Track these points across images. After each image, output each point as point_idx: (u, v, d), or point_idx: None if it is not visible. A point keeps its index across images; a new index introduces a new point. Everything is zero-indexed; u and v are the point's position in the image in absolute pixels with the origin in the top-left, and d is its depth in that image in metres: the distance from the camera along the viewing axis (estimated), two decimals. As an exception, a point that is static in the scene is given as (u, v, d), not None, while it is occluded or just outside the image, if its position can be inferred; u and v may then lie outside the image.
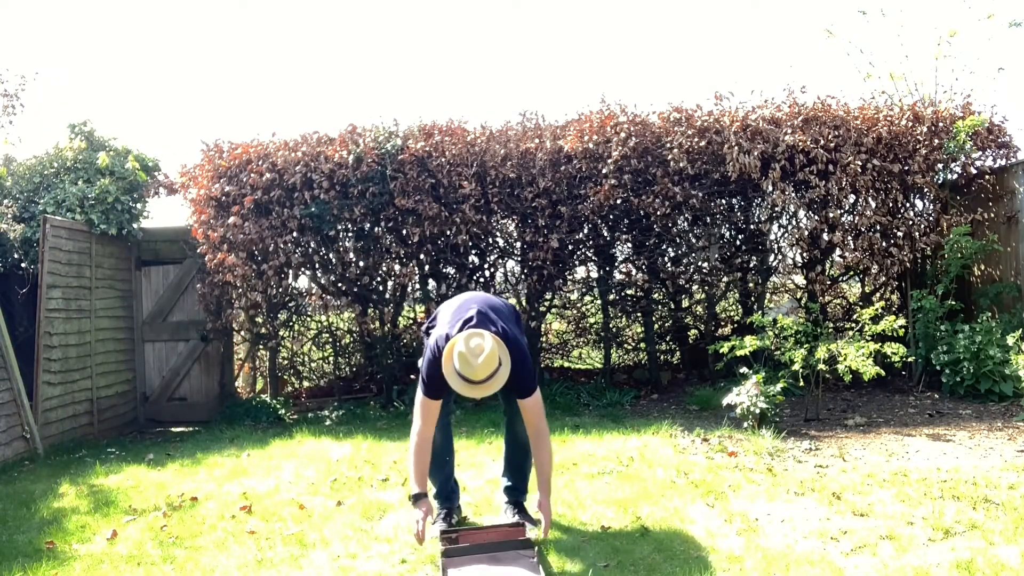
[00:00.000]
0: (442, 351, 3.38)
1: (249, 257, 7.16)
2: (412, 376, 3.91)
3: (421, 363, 3.55)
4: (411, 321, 7.87)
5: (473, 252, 7.55)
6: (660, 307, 7.98)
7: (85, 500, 4.69)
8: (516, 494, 3.85)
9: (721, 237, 7.57)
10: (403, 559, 3.41)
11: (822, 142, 6.70)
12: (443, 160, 6.94)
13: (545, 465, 3.45)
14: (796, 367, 5.71)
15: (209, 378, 7.88)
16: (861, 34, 11.89)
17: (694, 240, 7.42)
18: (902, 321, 5.74)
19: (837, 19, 16.63)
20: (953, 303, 6.64)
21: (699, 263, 7.53)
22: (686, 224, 7.50)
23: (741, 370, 5.84)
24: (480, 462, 4.98)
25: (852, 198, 7.11)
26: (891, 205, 7.00)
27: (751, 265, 7.58)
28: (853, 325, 6.74)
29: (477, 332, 3.31)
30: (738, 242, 7.72)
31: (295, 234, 7.18)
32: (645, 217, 7.06)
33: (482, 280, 7.66)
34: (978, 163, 7.21)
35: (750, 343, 5.81)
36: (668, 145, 6.81)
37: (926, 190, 7.08)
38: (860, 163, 6.66)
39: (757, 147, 6.65)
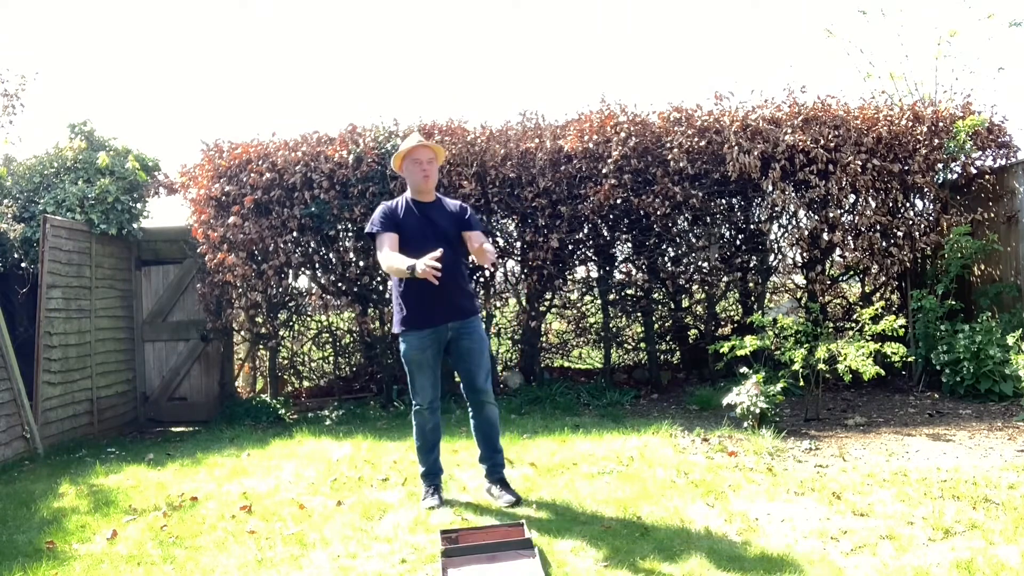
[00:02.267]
0: (388, 203, 4.17)
1: (249, 257, 7.16)
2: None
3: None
4: (411, 321, 7.85)
5: (473, 252, 7.54)
6: (660, 307, 7.98)
7: (85, 500, 4.69)
8: (498, 470, 4.24)
9: (721, 237, 7.57)
10: (403, 559, 3.41)
11: (822, 142, 6.70)
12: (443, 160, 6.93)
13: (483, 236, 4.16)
14: (796, 367, 5.71)
15: (209, 378, 7.88)
16: (861, 34, 11.92)
17: (694, 240, 7.42)
18: (902, 321, 5.74)
19: (837, 19, 16.68)
20: (953, 303, 6.64)
21: (699, 263, 7.53)
22: (686, 224, 7.50)
23: (741, 370, 5.84)
24: (480, 462, 4.98)
25: (852, 198, 7.11)
26: (891, 205, 7.00)
27: (751, 265, 7.58)
28: (853, 325, 6.73)
29: None
30: (738, 242, 7.72)
31: (295, 234, 7.18)
32: (645, 217, 7.06)
33: (482, 280, 7.66)
34: (978, 163, 7.21)
35: (750, 343, 5.81)
36: (668, 145, 6.81)
37: (926, 190, 7.08)
38: (860, 163, 6.66)
39: (757, 147, 6.65)
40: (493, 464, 4.23)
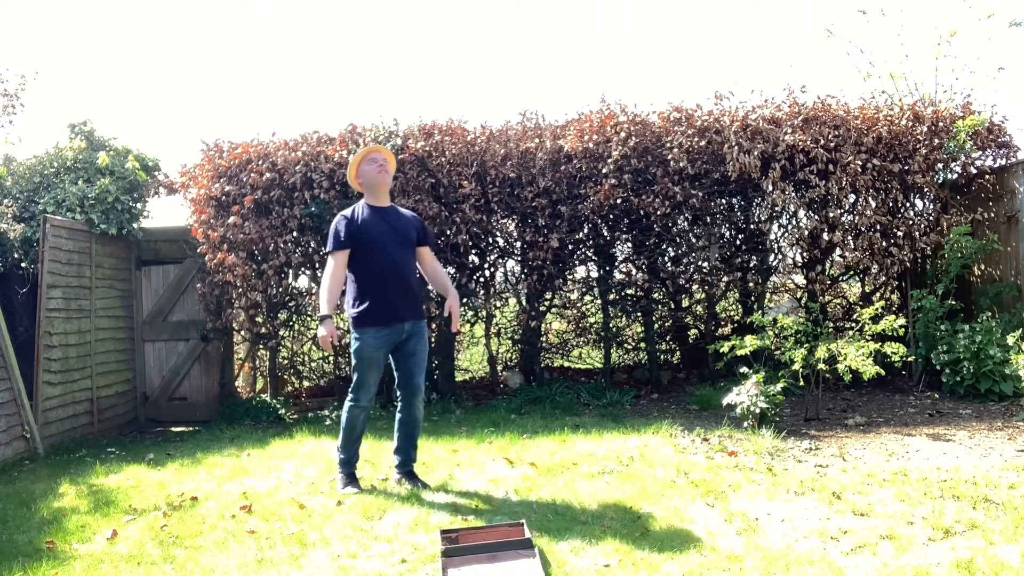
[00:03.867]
0: (344, 213, 4.33)
1: (249, 257, 7.16)
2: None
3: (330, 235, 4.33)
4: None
5: (473, 252, 7.55)
6: (660, 307, 7.97)
7: (85, 500, 4.69)
8: (410, 464, 4.54)
9: (721, 237, 7.57)
10: (403, 559, 3.41)
11: (822, 142, 6.70)
12: (443, 160, 6.94)
13: (447, 280, 4.56)
14: (796, 367, 5.71)
15: (209, 378, 7.88)
16: (861, 34, 11.91)
17: (694, 240, 7.42)
18: (902, 321, 5.74)
19: (837, 19, 16.68)
20: (953, 303, 6.64)
21: (699, 263, 7.53)
22: (686, 224, 7.50)
23: (741, 370, 5.84)
24: (480, 462, 4.98)
25: (852, 198, 7.11)
26: (891, 205, 7.00)
27: (751, 265, 7.58)
28: (853, 325, 6.74)
29: None
30: (738, 242, 7.72)
31: (295, 234, 7.18)
32: (645, 217, 7.06)
33: (482, 280, 7.66)
34: (978, 163, 7.21)
35: (750, 343, 5.81)
36: (668, 145, 6.81)
37: (926, 190, 7.08)
38: (860, 163, 6.66)
39: (757, 147, 6.65)
40: (408, 458, 4.53)
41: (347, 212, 4.36)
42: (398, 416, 4.49)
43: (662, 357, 8.23)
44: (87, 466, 5.66)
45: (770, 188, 6.81)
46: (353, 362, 4.35)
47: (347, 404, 4.42)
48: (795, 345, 5.85)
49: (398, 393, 4.47)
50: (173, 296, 7.89)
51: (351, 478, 4.49)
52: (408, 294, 4.33)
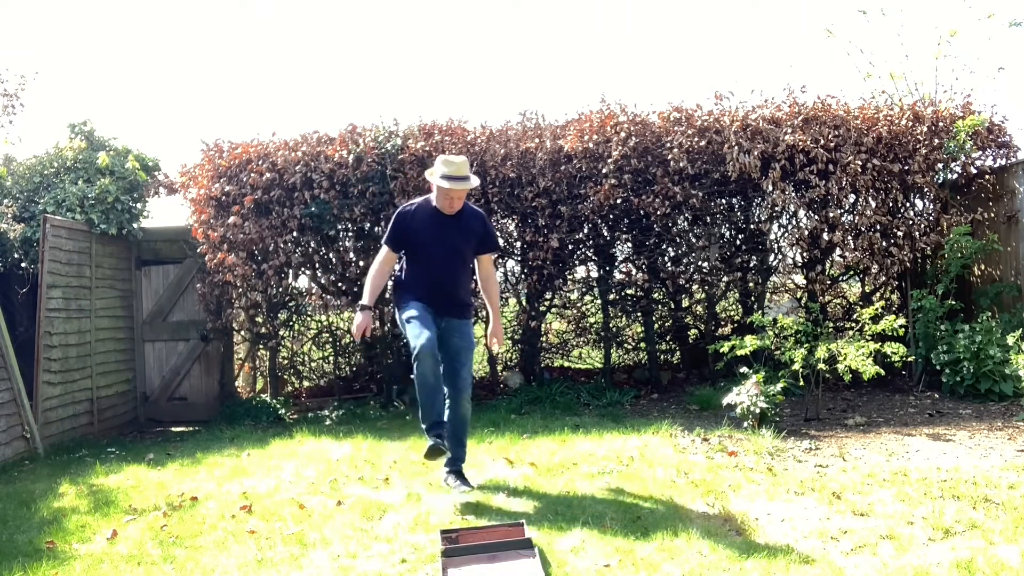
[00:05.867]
0: (405, 209, 4.26)
1: (249, 257, 7.16)
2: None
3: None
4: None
5: (473, 252, 7.53)
6: (660, 307, 7.97)
7: (85, 500, 4.70)
8: (458, 463, 4.37)
9: (721, 237, 7.56)
10: (403, 559, 3.41)
11: (822, 142, 6.70)
12: (443, 160, 6.93)
13: (496, 299, 4.50)
14: (796, 367, 5.71)
15: (209, 378, 7.88)
16: (861, 34, 11.89)
17: (694, 240, 7.42)
18: (902, 321, 5.74)
19: (837, 19, 16.66)
20: (953, 303, 6.64)
21: (699, 263, 7.53)
22: (686, 224, 7.50)
23: (741, 370, 5.84)
24: (480, 462, 4.98)
25: (852, 198, 7.10)
26: (891, 205, 7.00)
27: (751, 265, 7.58)
28: (853, 325, 6.73)
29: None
30: (738, 242, 7.72)
31: (295, 234, 7.18)
32: (645, 217, 7.05)
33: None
34: (978, 163, 7.20)
35: (750, 343, 5.81)
36: (668, 145, 6.81)
37: (926, 190, 7.08)
38: (860, 163, 6.66)
39: (757, 147, 6.65)
40: (456, 458, 4.35)
41: (410, 206, 4.27)
42: (446, 415, 4.24)
43: (662, 357, 8.23)
44: (87, 466, 5.66)
45: (770, 188, 6.81)
46: (402, 329, 4.22)
47: (413, 365, 4.05)
48: (795, 345, 5.85)
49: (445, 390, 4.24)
50: (173, 296, 7.89)
51: (437, 440, 3.98)
52: (453, 299, 4.26)
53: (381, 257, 4.29)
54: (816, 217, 6.98)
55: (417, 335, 4.01)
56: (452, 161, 4.14)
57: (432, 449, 3.99)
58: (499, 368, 8.18)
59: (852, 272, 7.58)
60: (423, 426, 4.14)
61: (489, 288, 4.46)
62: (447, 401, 4.25)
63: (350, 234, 7.39)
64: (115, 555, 3.68)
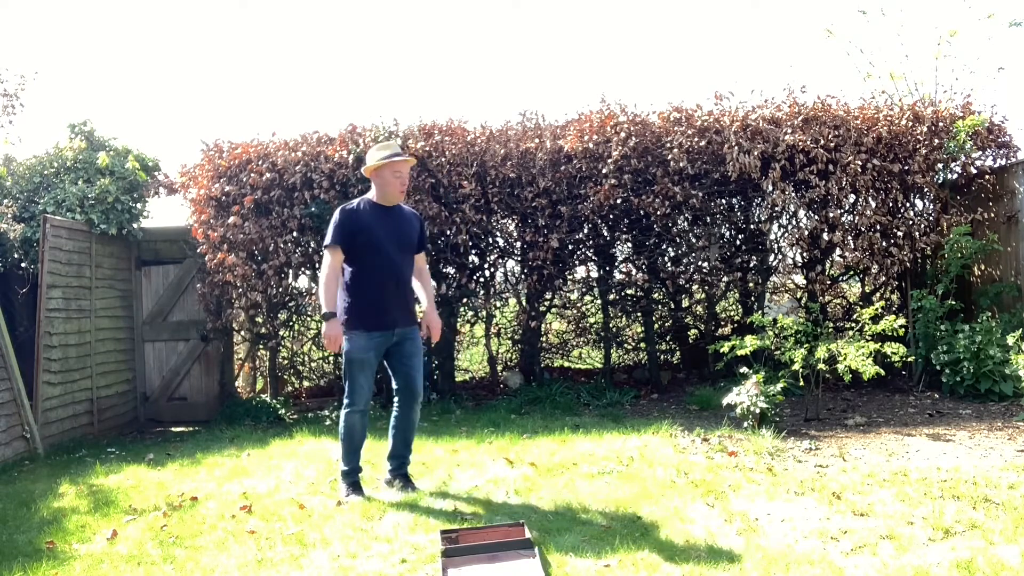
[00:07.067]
0: (349, 207, 4.25)
1: (249, 257, 7.16)
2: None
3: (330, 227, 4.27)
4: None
5: (473, 252, 7.55)
6: (660, 307, 7.97)
7: (85, 500, 4.69)
8: (404, 467, 4.48)
9: (721, 237, 7.56)
10: (403, 559, 3.41)
11: (822, 142, 6.70)
12: (443, 160, 6.94)
13: (431, 289, 4.56)
14: (796, 367, 5.71)
15: (209, 378, 7.88)
16: (861, 34, 11.90)
17: (694, 240, 7.42)
18: (902, 321, 5.74)
19: (837, 19, 16.68)
20: (953, 303, 6.64)
21: (699, 263, 7.53)
22: (686, 224, 7.50)
23: (741, 370, 5.84)
24: (480, 461, 4.98)
25: (852, 198, 7.10)
26: (891, 205, 7.00)
27: (751, 265, 7.58)
28: (853, 325, 6.73)
29: None
30: (738, 242, 7.72)
31: (295, 234, 7.18)
32: (645, 217, 7.05)
33: (482, 280, 7.66)
34: (978, 163, 7.20)
35: (750, 343, 5.81)
36: (668, 145, 6.81)
37: (926, 190, 7.08)
38: (860, 163, 6.66)
39: (757, 147, 6.65)
40: (403, 461, 4.47)
41: (350, 206, 4.29)
42: (395, 419, 4.38)
43: (662, 357, 8.23)
44: (87, 466, 5.66)
45: (770, 188, 6.81)
46: (344, 365, 4.30)
47: (343, 412, 4.29)
48: (795, 345, 5.85)
49: (396, 398, 4.38)
50: (173, 296, 7.89)
51: (355, 487, 4.35)
52: (403, 300, 4.30)
53: (330, 261, 4.19)
54: (816, 217, 6.98)
55: (359, 390, 4.25)
56: (387, 143, 4.32)
57: (354, 494, 4.29)
58: (499, 368, 8.18)
59: (852, 272, 7.58)
60: (344, 468, 4.37)
61: (424, 280, 4.52)
62: (398, 405, 4.37)
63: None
64: (115, 555, 3.68)
